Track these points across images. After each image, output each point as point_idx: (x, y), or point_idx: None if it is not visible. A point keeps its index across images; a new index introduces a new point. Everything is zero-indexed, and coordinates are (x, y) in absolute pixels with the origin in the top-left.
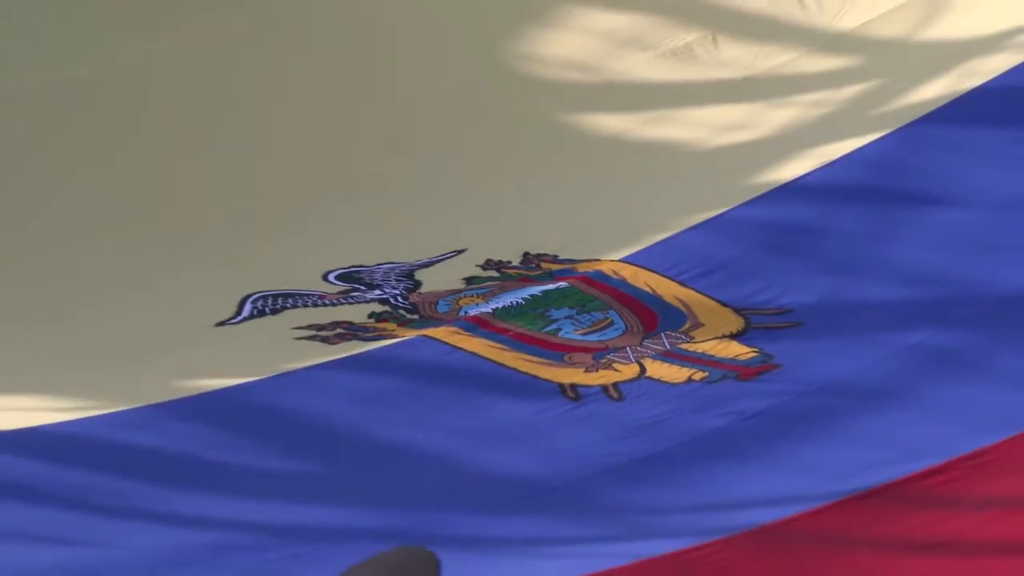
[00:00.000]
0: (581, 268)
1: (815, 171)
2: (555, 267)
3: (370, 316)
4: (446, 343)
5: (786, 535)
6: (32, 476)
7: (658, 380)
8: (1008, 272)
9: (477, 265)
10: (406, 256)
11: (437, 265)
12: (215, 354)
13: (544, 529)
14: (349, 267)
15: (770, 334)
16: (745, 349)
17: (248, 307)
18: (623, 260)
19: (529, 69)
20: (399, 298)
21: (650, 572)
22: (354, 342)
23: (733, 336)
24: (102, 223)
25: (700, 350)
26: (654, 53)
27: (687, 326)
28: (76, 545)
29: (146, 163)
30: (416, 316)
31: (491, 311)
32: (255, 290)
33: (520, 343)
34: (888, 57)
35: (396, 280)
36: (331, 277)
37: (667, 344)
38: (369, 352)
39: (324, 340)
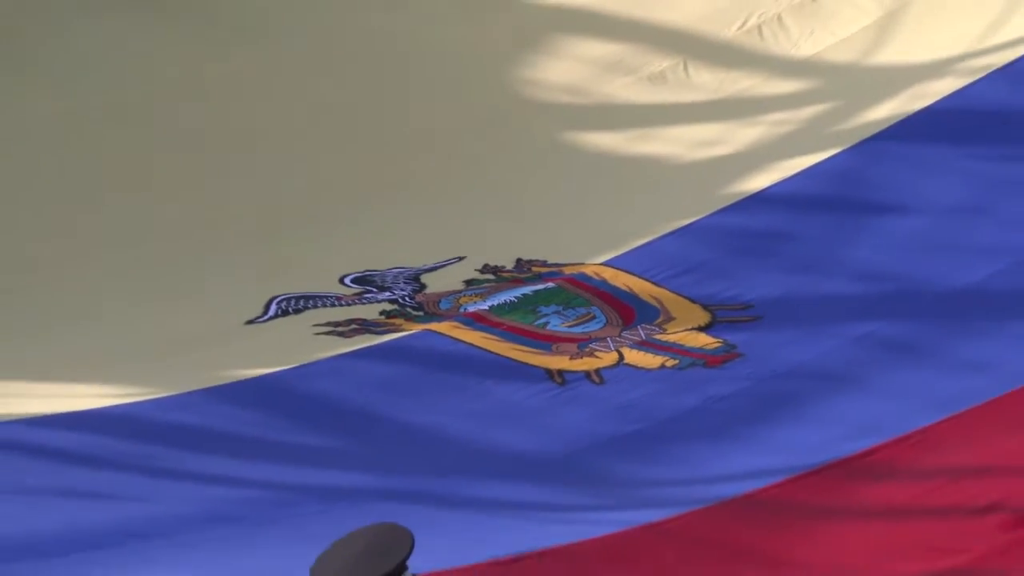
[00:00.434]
0: (567, 271)
1: (779, 183)
2: (544, 270)
3: (381, 314)
4: (448, 335)
5: (755, 505)
6: (92, 446)
7: (634, 366)
8: (951, 270)
9: (476, 269)
10: (413, 262)
11: (440, 270)
12: (246, 348)
13: (533, 496)
14: (363, 271)
15: (734, 327)
16: (711, 340)
17: (274, 307)
18: (605, 263)
19: (528, 93)
20: (407, 298)
21: (632, 540)
22: (367, 335)
23: (701, 328)
24: (151, 234)
25: (671, 340)
26: (634, 78)
27: (660, 319)
28: (129, 501)
29: (195, 183)
30: (421, 313)
31: (488, 308)
32: (280, 293)
33: (513, 335)
34: (843, 81)
35: (404, 283)
36: (347, 280)
37: (643, 335)
38: (381, 344)
39: (340, 335)
